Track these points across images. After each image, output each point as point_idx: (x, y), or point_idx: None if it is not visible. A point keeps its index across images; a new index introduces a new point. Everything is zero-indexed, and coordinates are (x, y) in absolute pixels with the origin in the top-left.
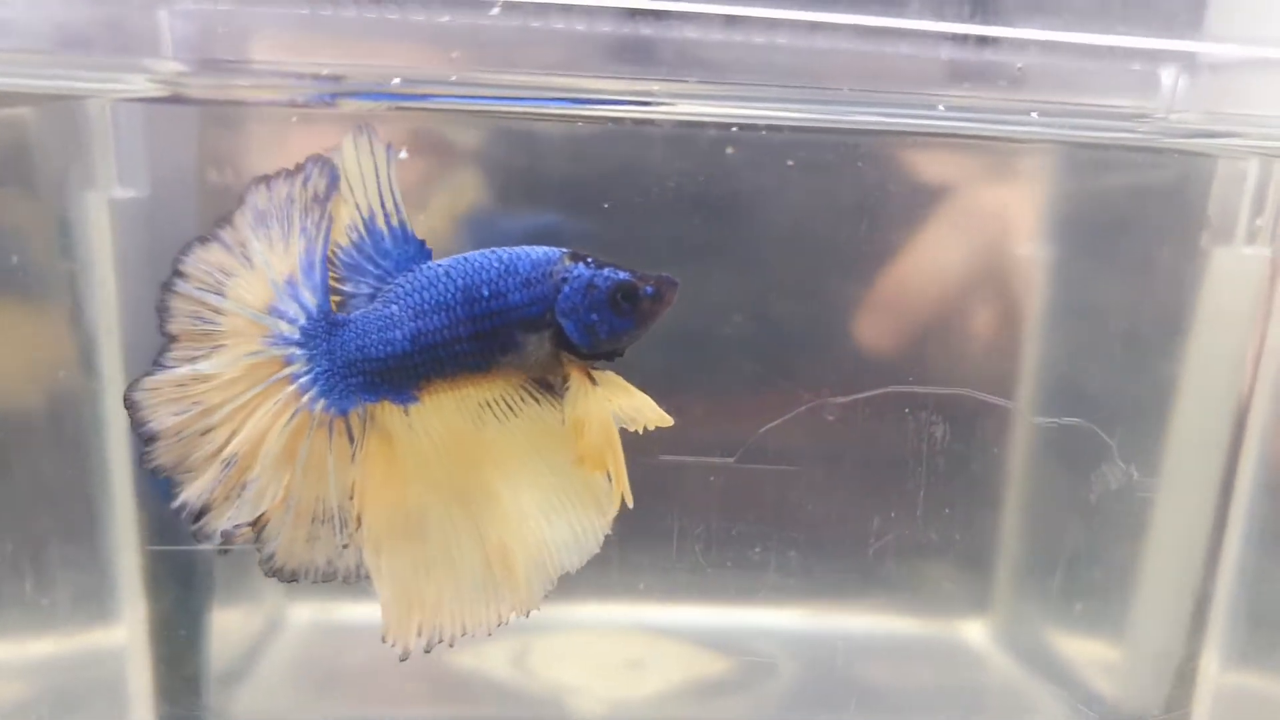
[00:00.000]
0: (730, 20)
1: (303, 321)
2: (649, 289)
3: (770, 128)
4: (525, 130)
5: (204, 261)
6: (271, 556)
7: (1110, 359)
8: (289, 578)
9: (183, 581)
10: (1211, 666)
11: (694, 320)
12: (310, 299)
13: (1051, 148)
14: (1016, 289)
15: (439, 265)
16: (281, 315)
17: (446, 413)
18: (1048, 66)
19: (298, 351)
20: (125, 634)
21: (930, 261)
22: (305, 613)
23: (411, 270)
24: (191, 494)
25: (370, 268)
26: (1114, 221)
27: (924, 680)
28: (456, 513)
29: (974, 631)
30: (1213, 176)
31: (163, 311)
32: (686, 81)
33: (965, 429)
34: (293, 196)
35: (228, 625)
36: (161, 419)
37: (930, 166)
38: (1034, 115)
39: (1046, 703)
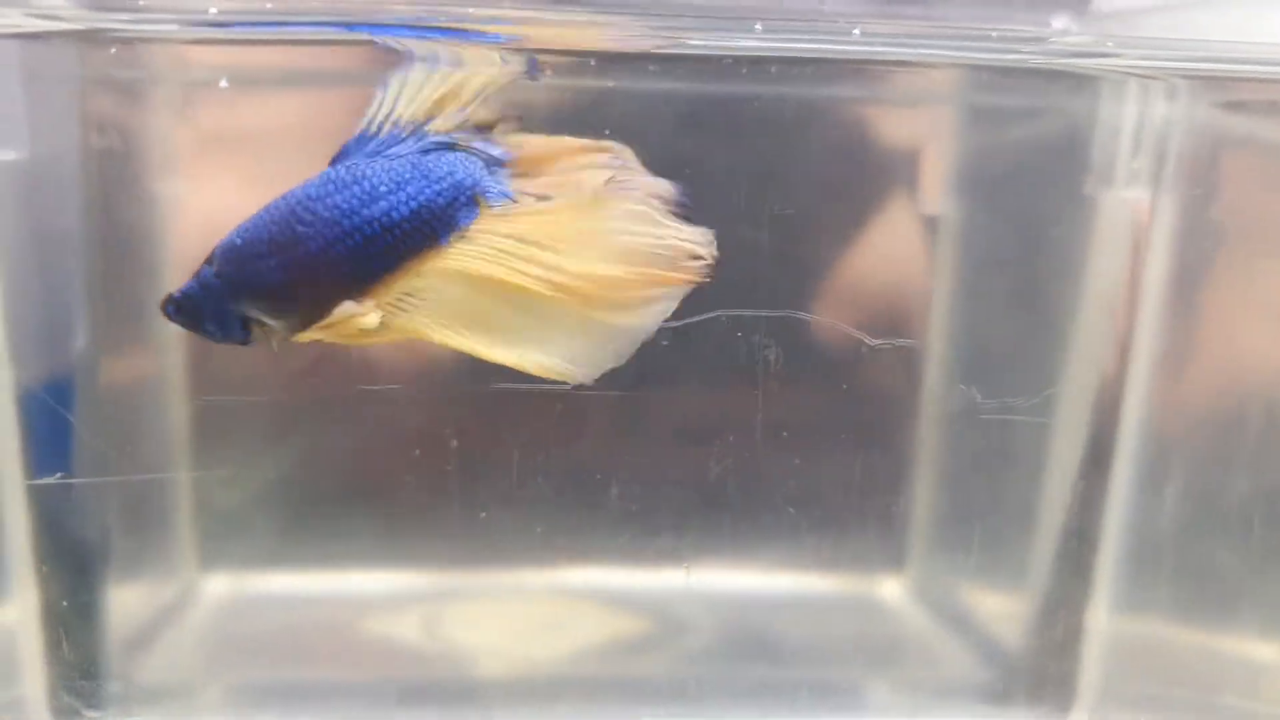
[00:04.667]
0: None
1: None
2: None
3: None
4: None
5: None
6: None
7: (1008, 306)
8: None
9: (76, 557)
10: (1100, 612)
11: None
12: None
13: (950, 98)
14: (918, 243)
15: None
16: None
17: None
18: None
19: None
20: (15, 610)
21: (831, 213)
22: (220, 584)
23: None
24: None
25: None
26: (1009, 174)
27: (840, 635)
28: None
29: (891, 588)
30: (1094, 125)
31: None
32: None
33: (871, 383)
34: None
35: (132, 598)
36: None
37: (836, 121)
38: (856, 33)
39: (955, 654)
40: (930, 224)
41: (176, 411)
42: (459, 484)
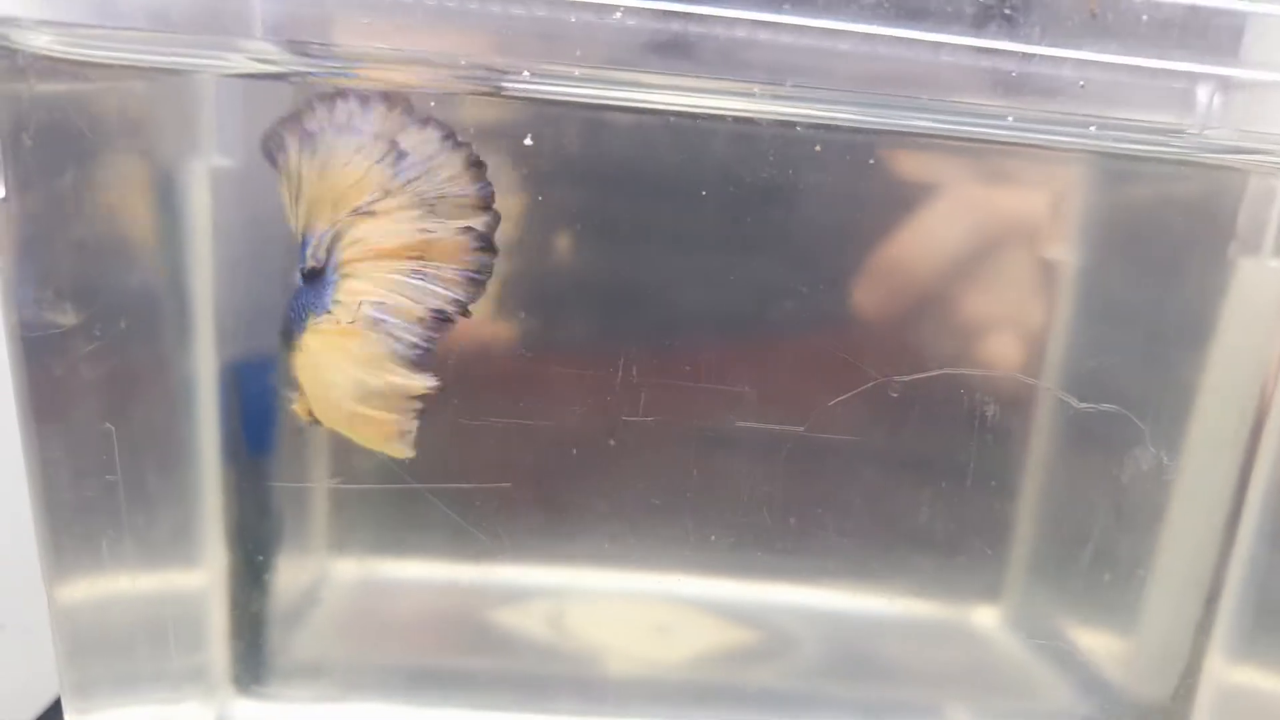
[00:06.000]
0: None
1: None
2: None
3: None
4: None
5: None
6: None
7: (1138, 358)
8: None
9: (255, 532)
10: (1216, 660)
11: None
12: None
13: (1093, 160)
14: (1053, 290)
15: None
16: None
17: None
18: (1092, 83)
19: None
20: (206, 576)
21: (969, 260)
22: (349, 569)
23: None
24: None
25: None
26: (1148, 230)
27: (938, 660)
28: None
29: (987, 616)
30: (1243, 192)
31: None
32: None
33: (994, 416)
34: None
35: (283, 575)
36: None
37: (980, 175)
38: (1092, 129)
39: (1054, 686)
40: (1059, 272)
41: None
42: (620, 482)
